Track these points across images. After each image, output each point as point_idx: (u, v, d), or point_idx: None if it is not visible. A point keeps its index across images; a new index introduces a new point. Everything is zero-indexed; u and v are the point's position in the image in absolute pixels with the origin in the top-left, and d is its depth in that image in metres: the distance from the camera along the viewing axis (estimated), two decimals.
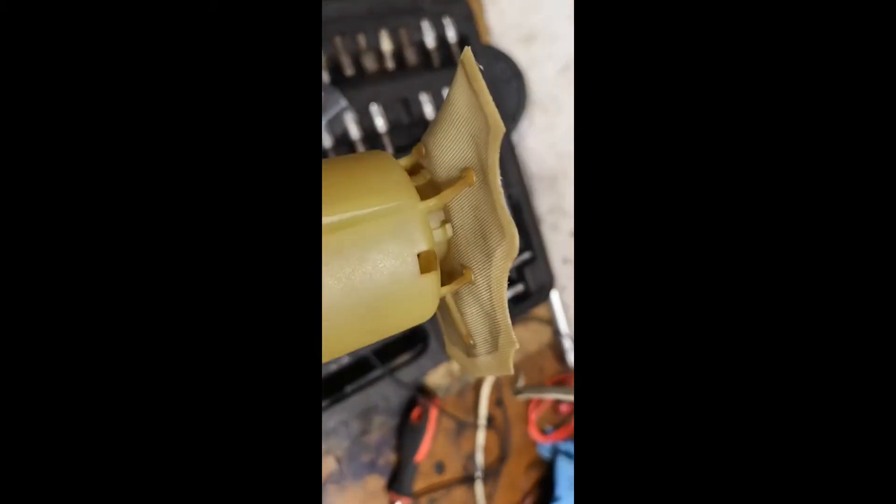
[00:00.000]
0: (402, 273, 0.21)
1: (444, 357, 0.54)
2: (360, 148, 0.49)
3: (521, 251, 0.61)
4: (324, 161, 0.22)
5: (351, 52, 0.49)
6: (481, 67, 0.21)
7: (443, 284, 0.24)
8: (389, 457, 0.56)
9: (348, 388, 0.49)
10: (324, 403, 0.48)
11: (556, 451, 0.67)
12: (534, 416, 0.66)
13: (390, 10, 0.51)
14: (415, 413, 0.56)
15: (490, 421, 0.64)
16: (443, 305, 0.26)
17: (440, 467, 0.60)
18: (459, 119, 0.22)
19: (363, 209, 0.21)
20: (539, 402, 0.67)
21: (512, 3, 0.62)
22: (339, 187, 0.21)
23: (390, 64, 0.51)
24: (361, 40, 0.50)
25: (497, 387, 0.64)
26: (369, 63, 0.50)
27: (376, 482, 0.55)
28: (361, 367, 0.51)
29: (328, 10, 0.47)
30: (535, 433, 0.67)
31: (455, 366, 0.61)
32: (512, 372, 0.24)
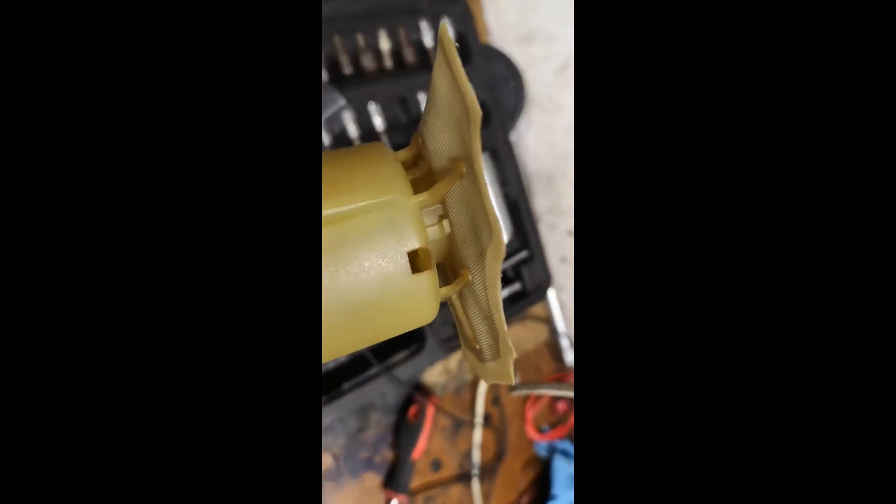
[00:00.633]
0: (391, 273, 0.20)
1: (441, 355, 0.54)
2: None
3: (519, 250, 0.61)
4: None
5: (349, 51, 0.50)
6: (457, 45, 0.20)
7: (446, 284, 0.23)
8: (386, 454, 0.57)
9: (345, 386, 0.50)
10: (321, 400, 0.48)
11: (552, 450, 0.67)
12: (530, 414, 0.67)
13: (389, 10, 0.51)
14: (412, 411, 0.56)
15: (487, 419, 0.64)
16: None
17: (437, 465, 0.60)
18: (443, 103, 0.21)
19: (349, 205, 0.20)
20: (535, 400, 0.67)
21: (510, 4, 0.63)
22: (326, 183, 0.20)
23: (389, 63, 0.52)
24: (360, 39, 0.50)
25: (493, 385, 0.64)
26: (368, 62, 0.51)
27: (373, 479, 0.56)
28: (358, 364, 0.52)
29: (327, 9, 0.48)
30: (531, 432, 0.67)
31: (452, 364, 0.62)
32: (513, 382, 0.22)
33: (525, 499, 0.68)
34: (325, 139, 0.47)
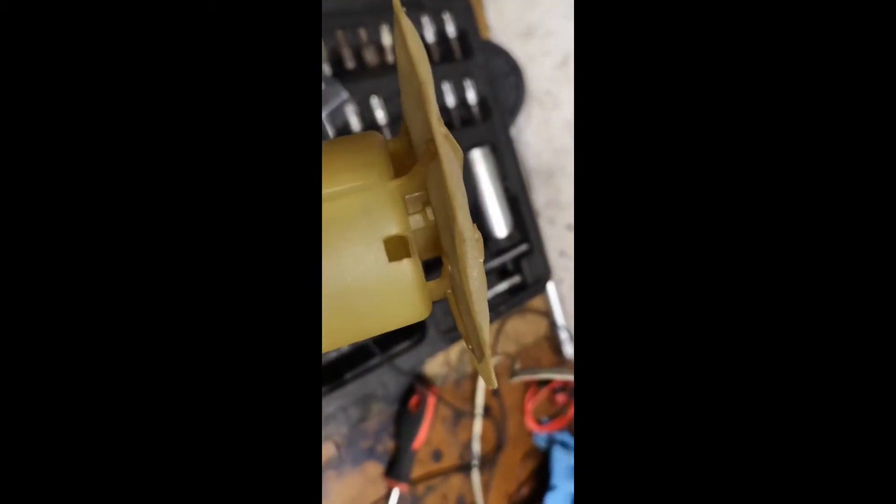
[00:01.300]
0: (367, 260, 0.19)
1: (442, 346, 0.55)
2: None
3: (519, 243, 0.62)
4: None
5: (352, 46, 0.51)
6: (404, 7, 0.18)
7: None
8: (388, 444, 0.57)
9: (348, 375, 0.50)
10: (323, 389, 0.49)
11: (551, 441, 0.68)
12: (530, 406, 0.67)
13: (391, 6, 0.52)
14: (413, 401, 0.57)
15: (487, 410, 0.65)
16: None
17: (437, 455, 0.61)
18: (405, 78, 0.20)
19: (324, 190, 0.19)
20: (535, 392, 0.68)
21: (510, 0, 0.63)
22: None
23: (391, 58, 0.52)
24: (363, 34, 0.51)
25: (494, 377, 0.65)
26: (370, 56, 0.51)
27: (375, 468, 0.56)
28: (361, 354, 0.52)
29: (330, 4, 0.48)
30: (531, 423, 0.68)
31: (452, 355, 0.62)
32: (494, 385, 0.21)
33: (524, 489, 0.68)
34: (329, 132, 0.48)
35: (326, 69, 0.48)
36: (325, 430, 0.53)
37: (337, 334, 0.21)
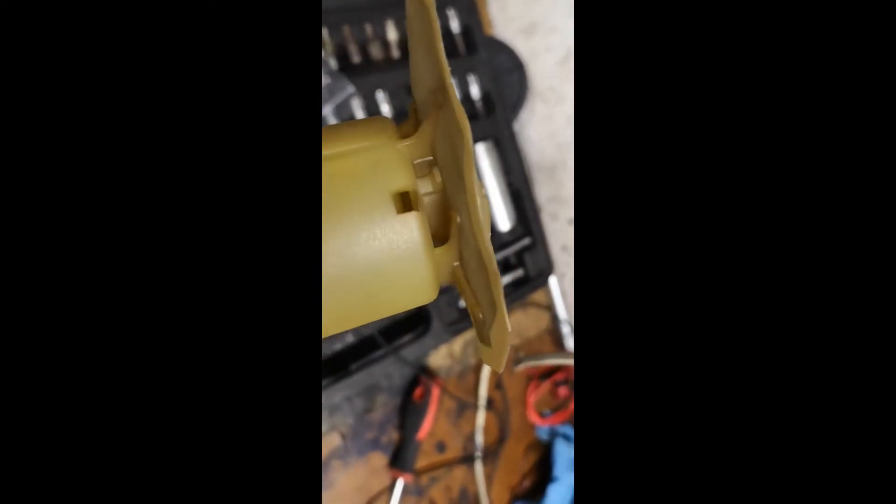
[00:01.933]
0: (374, 216, 0.19)
1: (446, 337, 0.55)
2: None
3: (522, 237, 0.62)
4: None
5: (358, 41, 0.51)
6: None
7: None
8: (392, 435, 0.58)
9: (353, 366, 0.51)
10: (329, 380, 0.50)
11: (553, 434, 0.69)
12: (532, 399, 0.68)
13: (396, 1, 0.52)
14: (417, 392, 0.58)
15: (490, 403, 0.65)
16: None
17: (441, 446, 0.62)
18: (415, 35, 0.20)
19: (333, 150, 0.19)
20: (537, 385, 0.68)
21: None
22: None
23: (396, 53, 0.53)
24: (368, 29, 0.52)
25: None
26: (376, 51, 0.52)
27: (379, 459, 0.57)
28: (366, 345, 0.53)
29: (337, 0, 0.49)
30: (533, 416, 0.68)
31: (456, 348, 0.63)
32: (502, 369, 0.21)
33: (527, 481, 0.69)
34: None
35: (332, 63, 0.49)
36: (331, 421, 0.54)
37: (343, 309, 0.20)
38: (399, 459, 0.57)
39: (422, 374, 0.58)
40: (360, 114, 0.50)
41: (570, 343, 0.73)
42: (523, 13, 0.64)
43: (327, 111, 0.48)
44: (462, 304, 0.57)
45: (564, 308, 0.71)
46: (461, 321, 0.56)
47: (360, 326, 0.53)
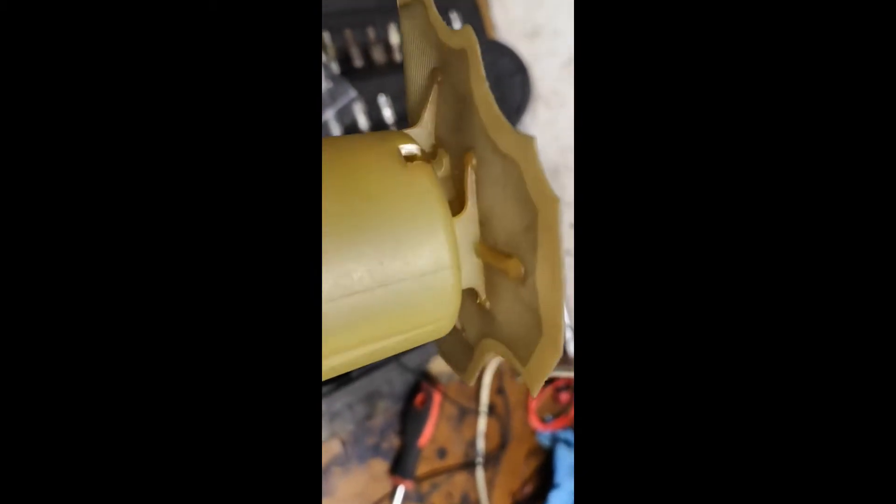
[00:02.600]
0: (383, 166, 0.18)
1: None
2: None
3: None
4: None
5: (360, 45, 0.51)
6: None
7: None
8: (393, 441, 0.58)
9: (354, 373, 0.51)
10: (329, 387, 0.50)
11: (555, 440, 0.69)
12: (534, 404, 0.68)
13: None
14: (418, 398, 0.57)
15: (491, 408, 0.65)
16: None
17: (442, 453, 0.61)
18: (411, 50, 0.20)
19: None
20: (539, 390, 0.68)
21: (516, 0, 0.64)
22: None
23: (398, 56, 0.53)
24: (371, 33, 0.51)
25: (498, 375, 0.65)
26: (378, 55, 0.52)
27: (380, 466, 0.57)
28: None
29: (339, 3, 0.48)
30: (535, 421, 0.68)
31: None
32: (536, 394, 0.19)
33: (528, 487, 0.69)
34: (336, 130, 0.48)
35: (334, 67, 0.49)
36: (331, 427, 0.53)
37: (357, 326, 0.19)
38: (400, 466, 0.56)
39: (423, 380, 0.57)
40: (362, 119, 0.50)
41: (572, 348, 0.72)
42: (526, 17, 0.63)
43: (329, 116, 0.48)
44: None
45: (567, 313, 0.71)
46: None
47: None
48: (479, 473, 0.63)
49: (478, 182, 0.19)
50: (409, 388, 0.59)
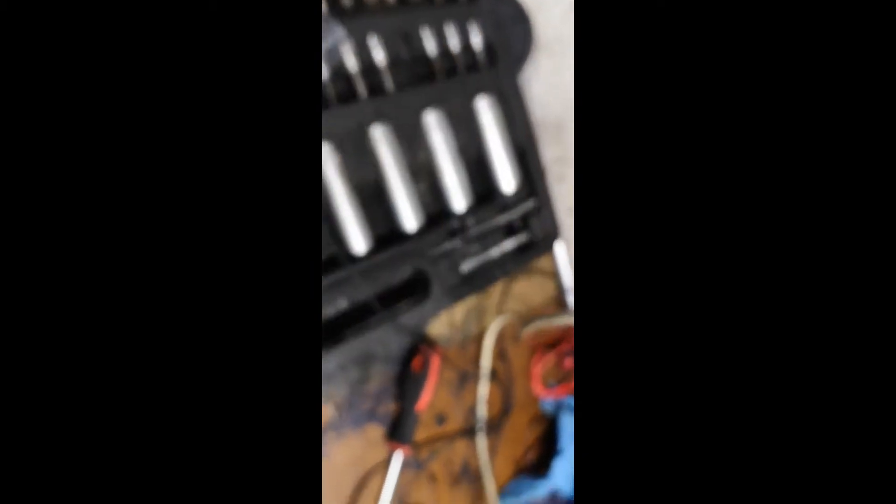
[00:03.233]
0: None
1: (447, 303, 0.52)
2: (359, 82, 0.47)
3: (525, 199, 0.59)
4: None
5: None
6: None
7: None
8: (389, 406, 0.55)
9: (347, 332, 0.48)
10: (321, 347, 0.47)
11: (559, 406, 0.66)
12: (537, 370, 0.65)
13: None
14: (416, 362, 0.55)
15: (493, 374, 0.62)
16: None
17: (441, 419, 0.59)
18: None
19: None
20: (542, 355, 0.65)
21: None
22: None
23: None
24: None
25: (500, 339, 0.63)
26: None
27: (376, 431, 0.54)
28: (361, 312, 0.50)
29: None
30: (538, 388, 0.65)
31: (458, 315, 0.60)
32: None
33: (531, 454, 0.66)
34: (324, 71, 0.45)
35: (323, 5, 0.45)
36: (325, 391, 0.51)
37: None
38: (397, 431, 0.54)
39: (421, 343, 0.55)
40: (351, 60, 0.46)
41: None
42: None
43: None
44: (465, 267, 0.54)
45: (570, 275, 0.68)
46: (462, 287, 0.53)
47: (355, 292, 0.50)
48: (481, 440, 0.61)
49: None
50: (405, 351, 0.56)
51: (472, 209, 0.54)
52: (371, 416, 0.54)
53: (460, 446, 0.60)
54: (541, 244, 0.60)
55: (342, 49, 0.45)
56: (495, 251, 0.56)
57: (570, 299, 0.68)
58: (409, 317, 0.50)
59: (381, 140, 0.48)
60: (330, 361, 0.46)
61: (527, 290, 0.66)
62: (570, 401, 0.66)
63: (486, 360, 0.61)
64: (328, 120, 0.44)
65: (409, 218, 0.51)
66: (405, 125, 0.50)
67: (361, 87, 0.47)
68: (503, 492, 0.63)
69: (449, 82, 0.52)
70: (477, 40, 0.54)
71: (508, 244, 0.59)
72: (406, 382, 0.55)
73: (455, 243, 0.52)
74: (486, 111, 0.55)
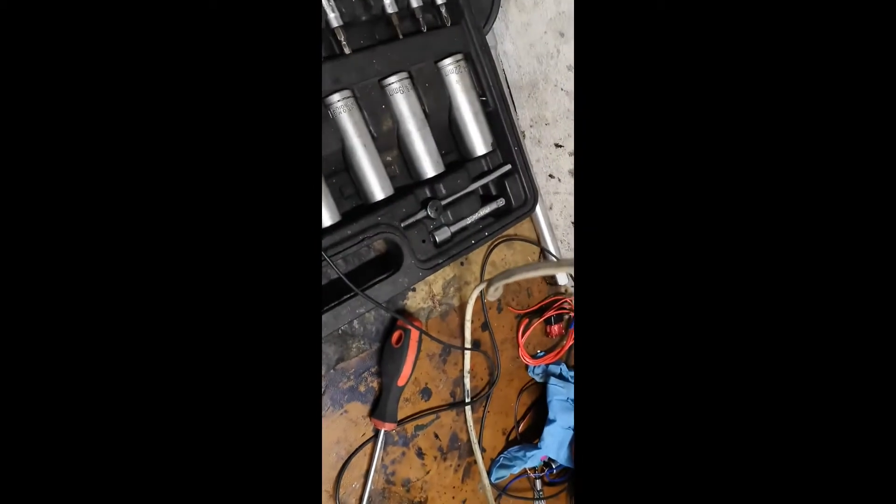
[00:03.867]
0: None
1: (421, 274, 0.50)
2: None
3: (501, 164, 0.57)
4: None
5: None
6: None
7: None
8: (371, 383, 0.54)
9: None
10: None
11: (547, 374, 0.65)
12: (523, 339, 0.64)
13: None
14: (395, 336, 0.53)
15: (476, 345, 0.61)
16: None
17: (427, 393, 0.58)
18: None
19: None
20: (526, 323, 0.64)
21: None
22: None
23: None
24: None
25: (481, 310, 0.61)
26: None
27: (358, 409, 0.53)
28: (332, 290, 0.48)
29: None
30: (525, 356, 0.64)
31: (437, 287, 0.58)
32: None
33: (522, 425, 0.66)
34: None
35: None
36: None
37: None
38: (380, 409, 0.53)
39: (398, 317, 0.53)
40: None
41: (562, 279, 0.68)
42: None
43: None
44: (439, 237, 0.52)
45: (552, 242, 0.66)
46: (437, 257, 0.51)
47: (325, 269, 0.48)
48: (468, 412, 0.60)
49: None
50: (385, 327, 0.54)
51: (443, 176, 0.52)
52: (352, 393, 0.53)
53: (447, 420, 0.59)
54: (519, 209, 0.58)
55: None
56: (471, 219, 0.54)
57: (552, 256, 0.67)
58: (382, 291, 0.49)
59: (342, 108, 0.46)
60: None
61: (508, 257, 0.65)
62: (558, 368, 0.65)
63: (468, 331, 0.59)
64: None
65: (377, 188, 0.49)
66: (367, 91, 0.47)
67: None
68: (495, 464, 0.62)
69: (411, 42, 0.49)
70: None
71: (485, 210, 0.56)
72: (385, 358, 0.53)
73: (427, 212, 0.50)
74: (452, 71, 0.52)
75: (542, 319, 0.65)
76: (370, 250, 0.53)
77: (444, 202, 0.52)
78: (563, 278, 0.68)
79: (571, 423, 0.62)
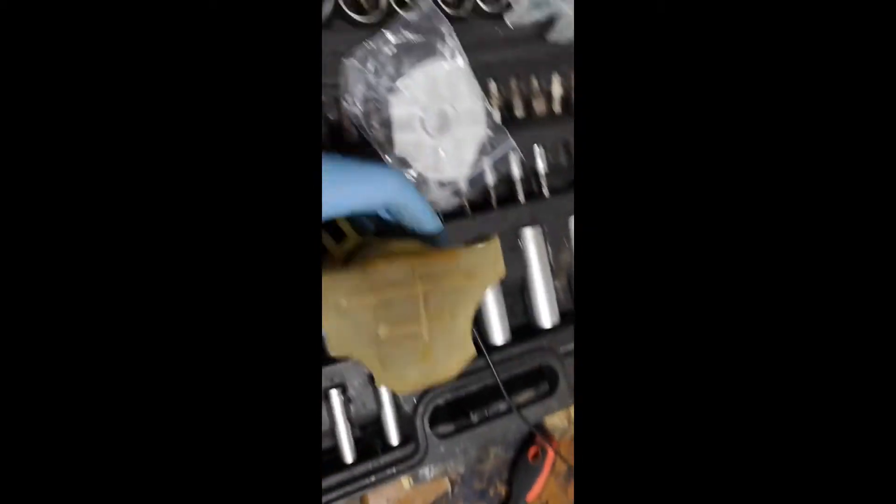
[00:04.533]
0: None
1: (570, 402, 0.53)
2: (519, 187, 0.50)
3: None
4: None
5: (523, 94, 0.51)
6: None
7: None
8: (500, 489, 0.57)
9: (474, 418, 0.51)
10: (450, 429, 0.50)
11: None
12: None
13: (566, 56, 0.52)
14: (531, 452, 0.56)
15: None
16: None
17: None
18: None
19: None
20: None
21: None
22: None
23: (558, 108, 0.52)
24: (535, 83, 0.51)
25: None
26: (539, 106, 0.52)
27: None
28: (487, 394, 0.52)
29: (510, 53, 0.49)
30: None
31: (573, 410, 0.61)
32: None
33: None
34: (490, 178, 0.49)
35: (496, 116, 0.49)
36: (443, 466, 0.54)
37: None
38: None
39: (538, 434, 0.56)
40: (515, 169, 0.50)
41: None
42: None
43: (486, 164, 0.48)
44: None
45: None
46: None
47: (482, 374, 0.52)
48: None
49: None
50: (522, 437, 0.58)
51: None
52: (482, 496, 0.56)
53: None
54: None
55: (510, 158, 0.49)
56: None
57: None
58: (534, 410, 0.52)
59: (531, 240, 0.51)
60: (459, 444, 0.49)
61: None
62: None
63: None
64: (489, 223, 0.48)
65: (546, 314, 0.53)
66: (553, 226, 0.53)
67: (520, 192, 0.50)
68: None
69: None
70: None
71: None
72: (519, 470, 0.56)
73: None
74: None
75: None
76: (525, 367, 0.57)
77: None
78: None
79: None
